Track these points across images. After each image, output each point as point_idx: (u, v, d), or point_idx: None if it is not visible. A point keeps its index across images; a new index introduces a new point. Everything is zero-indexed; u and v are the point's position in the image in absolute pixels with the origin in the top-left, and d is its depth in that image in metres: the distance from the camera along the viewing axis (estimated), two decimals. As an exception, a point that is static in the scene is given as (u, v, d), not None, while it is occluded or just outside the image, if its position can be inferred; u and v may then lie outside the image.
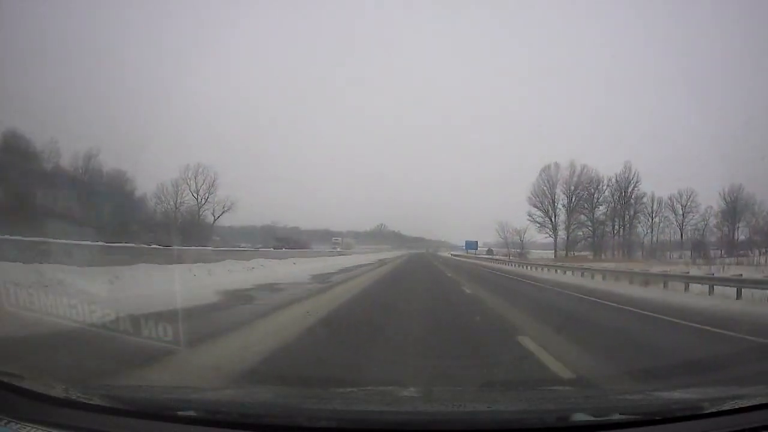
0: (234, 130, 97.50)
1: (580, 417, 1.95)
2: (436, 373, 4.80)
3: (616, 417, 1.95)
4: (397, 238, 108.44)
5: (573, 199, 62.00)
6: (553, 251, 62.08)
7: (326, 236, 76.95)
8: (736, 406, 1.99)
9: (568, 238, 62.42)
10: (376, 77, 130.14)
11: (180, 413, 1.89)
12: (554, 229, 62.32)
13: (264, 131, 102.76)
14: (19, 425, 1.74)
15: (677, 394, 2.73)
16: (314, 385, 4.00)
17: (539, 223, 62.69)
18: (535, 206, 62.48)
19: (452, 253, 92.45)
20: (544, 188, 62.14)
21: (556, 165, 61.77)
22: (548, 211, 62.49)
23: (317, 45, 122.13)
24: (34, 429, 1.74)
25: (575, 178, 61.48)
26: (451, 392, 3.46)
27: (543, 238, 63.66)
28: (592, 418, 1.94)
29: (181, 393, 2.77)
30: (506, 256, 63.96)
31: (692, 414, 1.97)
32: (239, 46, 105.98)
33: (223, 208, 50.19)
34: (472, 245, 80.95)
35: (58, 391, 1.95)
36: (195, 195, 50.06)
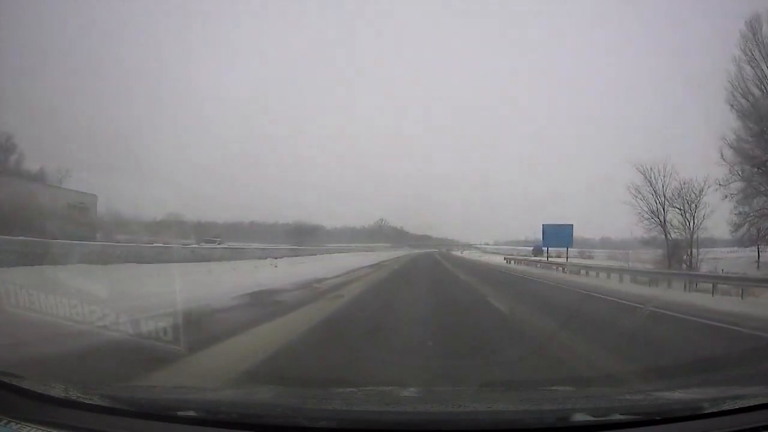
0: (221, 122, 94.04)
1: (580, 417, 1.95)
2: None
3: (616, 417, 1.94)
4: (399, 236, 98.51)
5: None
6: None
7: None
8: (737, 406, 1.99)
9: None
10: (375, 60, 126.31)
11: (180, 413, 1.89)
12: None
13: (247, 121, 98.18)
14: (19, 425, 1.74)
15: (677, 394, 2.73)
16: (314, 386, 4.00)
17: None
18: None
19: (505, 256, 49.37)
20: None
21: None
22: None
23: (316, 39, 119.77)
24: (34, 429, 1.74)
25: None
26: (451, 392, 3.46)
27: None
28: (592, 418, 1.94)
29: (181, 393, 2.77)
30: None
31: (692, 414, 1.97)
32: (236, 39, 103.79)
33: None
34: (559, 234, 36.01)
35: (58, 391, 1.95)
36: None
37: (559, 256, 37.04)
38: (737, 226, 25.48)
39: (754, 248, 26.57)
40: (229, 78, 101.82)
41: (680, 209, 25.47)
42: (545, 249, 38.95)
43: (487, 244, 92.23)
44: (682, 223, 25.88)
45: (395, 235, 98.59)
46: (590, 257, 37.88)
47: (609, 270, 24.20)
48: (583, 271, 26.59)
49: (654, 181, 26.37)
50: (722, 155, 24.55)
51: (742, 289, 15.24)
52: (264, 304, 10.53)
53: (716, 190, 25.28)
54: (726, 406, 2.00)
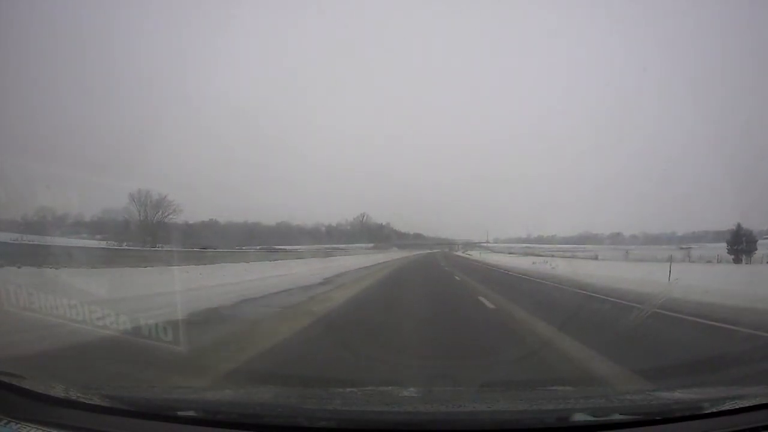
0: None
1: (580, 417, 1.95)
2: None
3: (616, 417, 1.95)
4: (385, 234, 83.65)
5: None
6: None
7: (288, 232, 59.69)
8: (736, 406, 1.99)
9: None
10: (363, 51, 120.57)
11: (180, 413, 1.89)
12: None
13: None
14: (19, 425, 1.74)
15: (677, 394, 2.73)
16: (314, 386, 4.00)
17: None
18: None
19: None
20: None
21: None
22: None
23: (298, 29, 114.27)
24: (34, 429, 1.74)
25: None
26: (451, 392, 3.45)
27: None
28: (592, 418, 1.94)
29: (181, 393, 2.78)
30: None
31: (692, 414, 1.97)
32: (222, 36, 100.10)
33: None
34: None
35: (58, 391, 1.95)
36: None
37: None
38: None
39: None
40: (194, 67, 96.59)
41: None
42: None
43: (488, 242, 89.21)
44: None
45: (380, 234, 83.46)
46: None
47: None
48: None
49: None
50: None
51: None
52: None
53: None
54: (726, 406, 2.00)
